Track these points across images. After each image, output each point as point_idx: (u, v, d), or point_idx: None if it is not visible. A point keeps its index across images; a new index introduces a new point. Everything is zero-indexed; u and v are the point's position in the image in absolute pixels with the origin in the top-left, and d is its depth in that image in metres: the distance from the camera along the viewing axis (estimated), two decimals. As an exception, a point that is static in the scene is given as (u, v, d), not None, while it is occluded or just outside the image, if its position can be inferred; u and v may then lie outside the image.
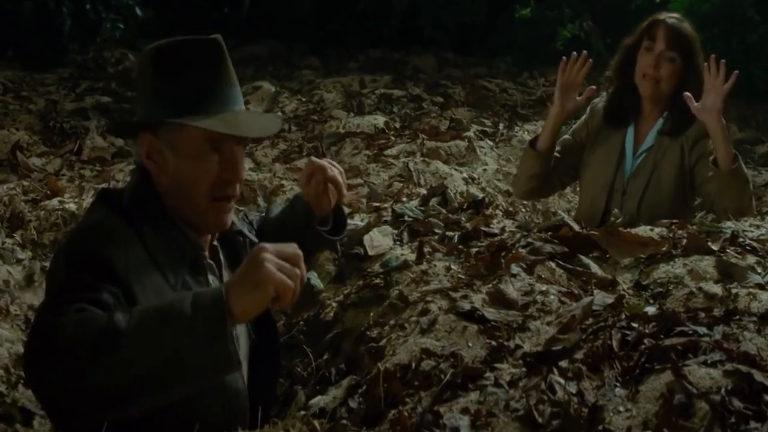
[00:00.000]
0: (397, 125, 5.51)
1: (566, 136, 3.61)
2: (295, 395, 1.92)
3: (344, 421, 1.77)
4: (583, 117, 3.60)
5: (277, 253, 1.64)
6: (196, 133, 1.93)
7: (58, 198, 3.28)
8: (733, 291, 2.15)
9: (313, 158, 2.37)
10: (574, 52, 3.32)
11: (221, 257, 2.15)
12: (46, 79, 7.22)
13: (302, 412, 1.91)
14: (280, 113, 6.06)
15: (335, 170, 2.28)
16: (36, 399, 1.79)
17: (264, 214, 2.63)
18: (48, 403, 1.69)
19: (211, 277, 2.06)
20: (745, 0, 6.24)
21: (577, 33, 8.22)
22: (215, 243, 2.14)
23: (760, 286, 2.20)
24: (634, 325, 1.86)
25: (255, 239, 2.25)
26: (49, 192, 3.49)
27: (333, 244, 2.47)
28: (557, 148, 3.53)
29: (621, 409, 1.55)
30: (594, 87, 3.44)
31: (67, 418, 1.65)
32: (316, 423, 1.61)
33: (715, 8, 6.30)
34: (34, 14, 7.56)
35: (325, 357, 2.51)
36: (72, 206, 3.15)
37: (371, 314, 2.53)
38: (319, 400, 1.91)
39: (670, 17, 3.30)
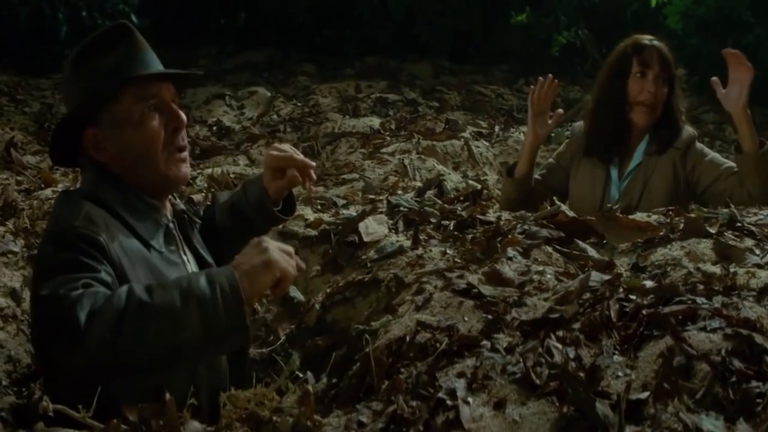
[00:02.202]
0: (393, 126, 5.51)
1: (551, 160, 3.61)
2: (289, 357, 1.89)
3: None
4: (566, 142, 3.58)
5: (277, 245, 1.84)
6: (130, 100, 2.03)
7: (51, 188, 3.26)
8: (732, 270, 2.13)
9: (276, 148, 2.45)
10: (540, 78, 3.30)
11: (179, 233, 2.22)
12: (42, 83, 7.22)
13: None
14: (275, 116, 6.06)
15: (299, 157, 2.38)
16: (49, 373, 1.82)
17: (210, 203, 2.66)
18: (67, 374, 1.67)
19: (180, 252, 2.16)
20: (739, 2, 6.27)
21: (572, 40, 8.24)
22: (173, 220, 2.22)
23: (759, 266, 2.18)
24: (632, 297, 1.84)
25: (198, 220, 2.41)
26: (43, 185, 3.47)
27: (283, 222, 2.59)
28: (542, 171, 3.52)
29: (620, 374, 1.53)
30: (561, 111, 3.44)
31: (83, 387, 1.65)
32: (309, 387, 1.59)
33: (711, 11, 6.33)
34: (30, 20, 7.55)
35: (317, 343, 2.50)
36: (65, 195, 3.11)
37: (367, 299, 2.51)
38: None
39: (653, 40, 3.33)
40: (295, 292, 2.81)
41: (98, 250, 1.85)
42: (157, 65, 2.12)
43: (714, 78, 3.05)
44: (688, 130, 3.30)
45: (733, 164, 3.16)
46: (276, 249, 1.83)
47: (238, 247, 2.72)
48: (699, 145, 3.30)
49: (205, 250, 2.31)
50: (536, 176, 3.47)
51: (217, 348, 1.74)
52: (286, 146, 2.45)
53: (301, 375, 1.95)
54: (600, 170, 3.37)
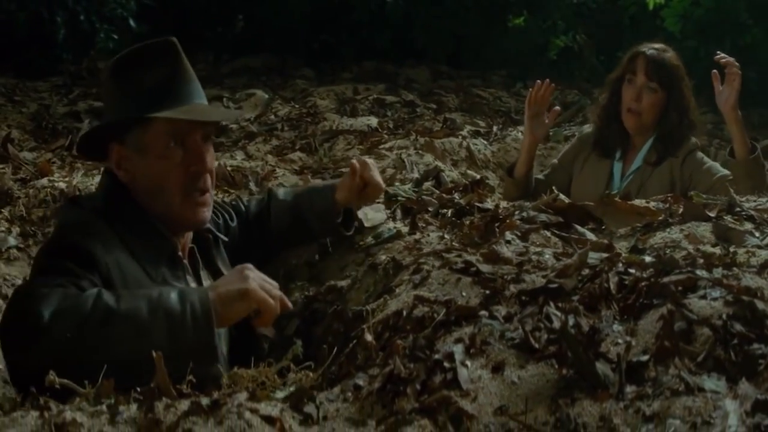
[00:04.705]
0: (391, 126, 5.49)
1: (554, 161, 3.76)
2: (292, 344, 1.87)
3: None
4: (571, 143, 3.69)
5: (260, 276, 1.82)
6: (161, 130, 1.99)
7: (48, 177, 3.25)
8: (732, 250, 2.11)
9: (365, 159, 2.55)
10: (538, 81, 3.42)
11: (198, 257, 2.20)
12: (40, 86, 7.21)
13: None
14: (273, 117, 6.04)
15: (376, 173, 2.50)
16: (6, 365, 1.82)
17: (262, 198, 2.63)
18: (22, 368, 1.69)
19: (188, 277, 2.12)
20: (737, 4, 6.28)
21: (570, 44, 8.25)
22: (192, 245, 2.19)
23: (759, 247, 2.16)
24: (632, 271, 1.82)
25: (224, 237, 2.34)
26: (39, 176, 3.46)
27: (342, 236, 2.60)
28: (545, 171, 3.67)
29: (620, 341, 1.50)
30: (558, 108, 3.60)
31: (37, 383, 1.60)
32: (310, 374, 1.58)
33: (708, 13, 6.34)
34: (28, 24, 7.56)
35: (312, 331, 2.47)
36: (62, 184, 3.11)
37: (364, 284, 2.49)
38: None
39: (651, 48, 3.38)
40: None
41: (87, 261, 1.84)
42: (197, 96, 2.08)
43: (714, 71, 3.11)
44: (690, 140, 3.32)
45: (728, 173, 3.19)
46: (256, 279, 1.80)
47: (289, 247, 2.72)
48: (699, 154, 3.35)
49: (229, 269, 2.26)
50: (539, 176, 3.55)
51: (181, 363, 1.64)
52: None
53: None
54: (604, 166, 3.45)
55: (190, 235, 2.19)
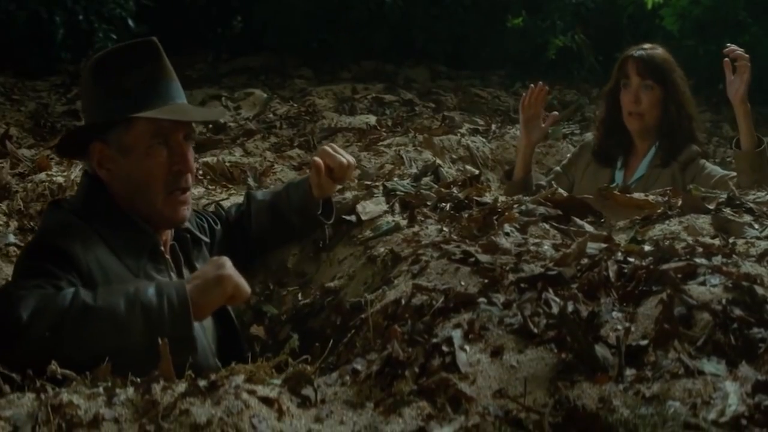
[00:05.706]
0: (389, 123, 5.50)
1: (557, 168, 3.75)
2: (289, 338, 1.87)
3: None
4: (574, 151, 3.71)
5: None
6: (143, 129, 2.01)
7: (46, 172, 3.25)
8: (731, 241, 2.11)
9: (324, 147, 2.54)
10: (532, 85, 3.43)
11: (180, 254, 2.21)
12: (38, 85, 7.22)
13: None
14: (271, 115, 6.04)
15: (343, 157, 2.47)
16: None
17: (242, 204, 2.65)
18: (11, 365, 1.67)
19: (171, 273, 2.13)
20: (736, 3, 6.28)
21: (569, 44, 8.24)
22: (173, 242, 2.20)
23: (758, 239, 2.16)
24: (631, 259, 1.81)
25: (206, 238, 2.37)
26: (38, 171, 3.46)
27: (323, 227, 2.61)
28: (549, 178, 3.65)
29: (619, 327, 1.50)
30: (556, 113, 3.60)
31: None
32: (308, 366, 1.57)
33: (707, 11, 6.34)
34: (27, 24, 7.56)
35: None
36: (60, 179, 3.11)
37: (364, 275, 2.48)
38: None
39: (639, 49, 3.39)
40: (267, 307, 2.77)
41: (66, 261, 1.86)
42: (178, 96, 2.09)
43: (726, 59, 3.10)
44: (692, 147, 3.32)
45: (729, 173, 3.19)
46: (232, 267, 1.83)
47: (274, 247, 2.73)
48: (701, 161, 3.35)
49: None
50: (542, 182, 3.53)
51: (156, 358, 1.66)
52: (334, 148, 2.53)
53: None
54: (605, 174, 3.45)
55: (170, 232, 2.20)
